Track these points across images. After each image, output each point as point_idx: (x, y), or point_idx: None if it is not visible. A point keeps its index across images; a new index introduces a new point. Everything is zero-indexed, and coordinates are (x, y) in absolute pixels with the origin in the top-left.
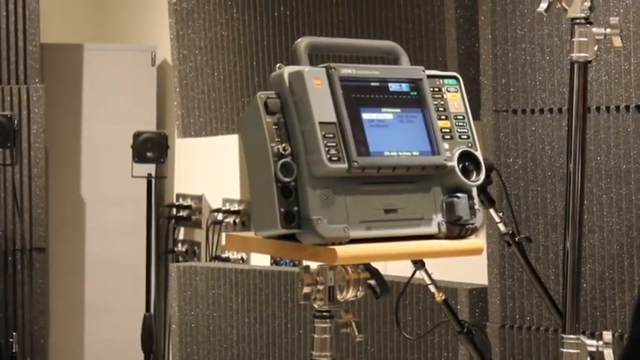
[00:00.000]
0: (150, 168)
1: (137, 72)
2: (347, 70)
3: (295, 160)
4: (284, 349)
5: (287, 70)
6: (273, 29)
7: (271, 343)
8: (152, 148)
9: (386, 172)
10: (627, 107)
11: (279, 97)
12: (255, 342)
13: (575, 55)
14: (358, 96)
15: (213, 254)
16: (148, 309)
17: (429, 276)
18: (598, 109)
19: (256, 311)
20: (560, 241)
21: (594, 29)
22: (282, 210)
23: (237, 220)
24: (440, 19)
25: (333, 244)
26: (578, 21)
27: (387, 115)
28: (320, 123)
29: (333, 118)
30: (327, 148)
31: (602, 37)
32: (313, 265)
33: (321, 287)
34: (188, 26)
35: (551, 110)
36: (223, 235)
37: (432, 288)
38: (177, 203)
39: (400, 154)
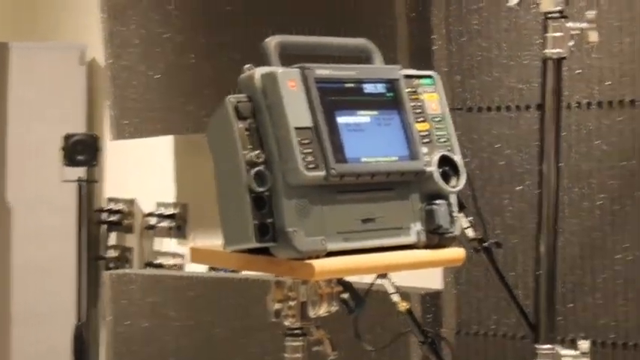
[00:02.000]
0: (80, 171)
1: (65, 71)
2: (323, 70)
3: (269, 168)
4: (225, 358)
5: (258, 71)
6: (211, 26)
7: (210, 353)
8: (83, 151)
9: (364, 180)
10: (588, 104)
11: (250, 100)
12: (195, 351)
13: (548, 51)
14: (333, 98)
15: (147, 260)
16: (79, 318)
17: (393, 284)
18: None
19: (195, 320)
20: (520, 243)
21: (569, 24)
22: (255, 222)
23: (171, 225)
24: (391, 14)
25: (310, 257)
26: (552, 15)
27: (363, 118)
28: (295, 128)
29: (308, 123)
30: (303, 156)
31: (577, 31)
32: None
33: (292, 303)
34: (121, 23)
35: (508, 108)
36: (156, 239)
37: (395, 297)
38: (107, 207)
39: (378, 159)
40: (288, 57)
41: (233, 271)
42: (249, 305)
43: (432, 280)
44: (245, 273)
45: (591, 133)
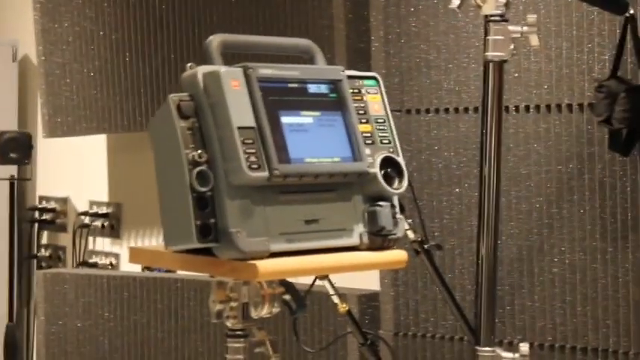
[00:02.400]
0: (12, 169)
1: None
2: (266, 70)
3: (211, 168)
4: (160, 359)
5: (201, 70)
6: (147, 24)
7: (146, 353)
8: (15, 149)
9: (308, 180)
10: (527, 108)
11: (192, 99)
12: (129, 352)
13: (490, 54)
14: (277, 98)
15: (81, 259)
16: (10, 318)
17: (333, 286)
18: (477, 109)
19: (129, 320)
20: (458, 245)
21: (510, 27)
22: (197, 223)
23: (105, 224)
24: (328, 15)
25: (253, 258)
26: (493, 18)
27: (306, 118)
28: (239, 128)
29: (252, 123)
30: (246, 155)
31: (518, 35)
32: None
33: (234, 304)
34: (54, 20)
35: (447, 110)
36: (90, 238)
37: (335, 299)
38: (40, 206)
39: (321, 160)
40: (227, 56)
41: (168, 271)
42: (185, 306)
43: (370, 281)
44: (180, 273)
45: (529, 136)
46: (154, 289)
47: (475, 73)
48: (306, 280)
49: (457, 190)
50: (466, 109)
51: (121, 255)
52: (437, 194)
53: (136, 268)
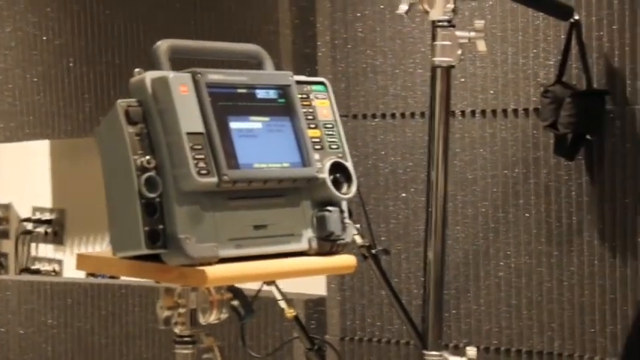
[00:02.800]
0: None
1: None
2: (214, 75)
3: (160, 174)
4: None
5: (149, 75)
6: (91, 29)
7: None
8: None
9: (257, 186)
10: (472, 112)
11: (140, 105)
12: (73, 359)
13: (437, 59)
14: (226, 104)
15: (23, 266)
16: None
17: (280, 291)
18: (423, 114)
19: (73, 327)
20: (404, 249)
21: (458, 32)
22: (146, 229)
23: (48, 230)
24: (274, 20)
25: (202, 264)
26: (440, 24)
27: (255, 124)
28: (187, 134)
29: (200, 129)
30: (195, 161)
31: (466, 40)
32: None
33: (182, 310)
34: None
35: (393, 115)
36: (32, 245)
37: (282, 304)
38: None
39: (270, 165)
40: (174, 61)
41: (112, 278)
42: (129, 312)
43: (316, 286)
44: (124, 279)
45: (475, 141)
46: (98, 295)
47: (421, 79)
48: (253, 286)
49: (403, 194)
50: (412, 114)
51: (64, 261)
52: (383, 199)
53: (79, 275)
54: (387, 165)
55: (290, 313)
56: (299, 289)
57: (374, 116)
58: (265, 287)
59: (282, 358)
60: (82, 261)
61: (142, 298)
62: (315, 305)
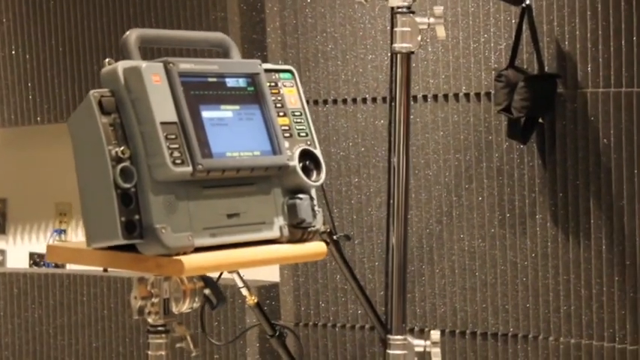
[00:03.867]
0: None
1: None
2: (186, 64)
3: (135, 164)
4: (53, 356)
5: (121, 65)
6: (33, 16)
7: (38, 350)
8: None
9: (230, 175)
10: (425, 97)
11: (113, 95)
12: (21, 349)
13: (397, 45)
14: (197, 93)
15: None
16: None
17: (242, 278)
18: (375, 99)
19: (20, 317)
20: (357, 234)
21: (417, 19)
22: (122, 219)
23: None
24: (222, 6)
25: (178, 254)
26: (400, 10)
27: (226, 112)
28: (161, 123)
29: (174, 118)
30: (170, 151)
31: (425, 26)
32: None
33: (155, 300)
34: None
35: (345, 101)
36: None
37: (244, 291)
38: None
39: (242, 154)
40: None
41: (57, 266)
42: (77, 301)
43: (269, 272)
44: (70, 268)
45: (427, 125)
46: (45, 285)
47: (372, 64)
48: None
49: (356, 180)
50: (364, 100)
51: (7, 251)
52: (336, 184)
53: (23, 264)
54: (339, 150)
55: (252, 300)
56: (252, 276)
57: (325, 102)
58: (225, 275)
59: (235, 345)
60: (53, 252)
61: (90, 287)
62: (268, 292)
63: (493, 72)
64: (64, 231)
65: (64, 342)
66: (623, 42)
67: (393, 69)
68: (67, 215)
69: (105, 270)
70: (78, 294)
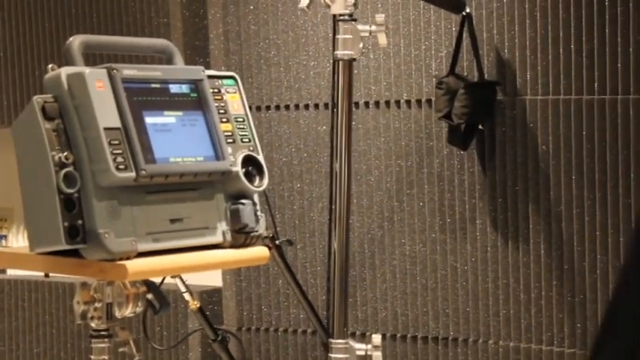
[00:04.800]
0: None
1: None
2: (129, 71)
3: (78, 169)
4: None
5: (64, 71)
6: None
7: None
8: None
9: (173, 180)
10: (366, 103)
11: (56, 101)
12: None
13: (340, 52)
14: (141, 99)
15: None
16: None
17: (184, 283)
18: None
19: None
20: (300, 240)
21: (359, 26)
22: (65, 224)
23: None
24: (165, 13)
25: (121, 259)
26: (342, 17)
27: (169, 118)
28: (105, 129)
29: (117, 124)
30: (113, 156)
31: (367, 34)
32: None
33: (98, 304)
34: None
35: (287, 107)
36: None
37: (186, 296)
38: None
39: (185, 159)
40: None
41: None
42: (18, 307)
43: (212, 277)
44: (10, 274)
45: (369, 132)
46: None
47: (314, 71)
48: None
49: (298, 185)
50: (306, 106)
51: None
52: (278, 190)
53: None
54: (281, 156)
55: (194, 305)
56: (195, 281)
57: (268, 108)
58: (168, 279)
59: (178, 349)
60: None
61: (31, 292)
62: (209, 296)
63: (434, 79)
64: (5, 236)
65: (4, 348)
66: (561, 50)
67: (335, 76)
68: (8, 221)
69: (46, 275)
70: (19, 299)
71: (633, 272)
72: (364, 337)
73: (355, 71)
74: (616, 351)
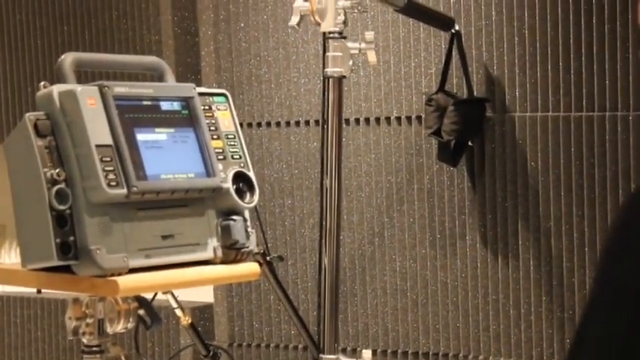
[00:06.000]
0: None
1: None
2: (120, 88)
3: (70, 186)
4: None
5: (56, 88)
6: None
7: None
8: None
9: (164, 196)
10: (357, 120)
11: (48, 118)
12: None
13: (330, 70)
14: (132, 116)
15: None
16: None
17: (176, 299)
18: (308, 122)
19: None
20: (290, 256)
21: (349, 44)
22: (57, 241)
23: None
24: (157, 30)
25: (113, 275)
26: (332, 35)
27: (160, 135)
28: (97, 146)
29: (109, 141)
30: (105, 173)
31: (357, 51)
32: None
33: (90, 320)
34: None
35: (278, 124)
36: None
37: (178, 312)
38: None
39: (176, 176)
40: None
41: None
42: (10, 323)
43: (203, 293)
44: (4, 290)
45: (359, 148)
46: None
47: (305, 87)
48: (149, 295)
49: (289, 201)
50: (297, 123)
51: None
52: (269, 206)
53: None
54: (272, 172)
55: (186, 320)
56: (186, 297)
57: (259, 125)
58: (160, 296)
59: None
60: None
61: (24, 309)
62: (201, 312)
63: (423, 96)
64: None
65: None
66: (549, 67)
67: (326, 93)
68: (1, 237)
69: (38, 291)
70: (11, 316)
71: (600, 293)
72: (355, 353)
73: (345, 88)
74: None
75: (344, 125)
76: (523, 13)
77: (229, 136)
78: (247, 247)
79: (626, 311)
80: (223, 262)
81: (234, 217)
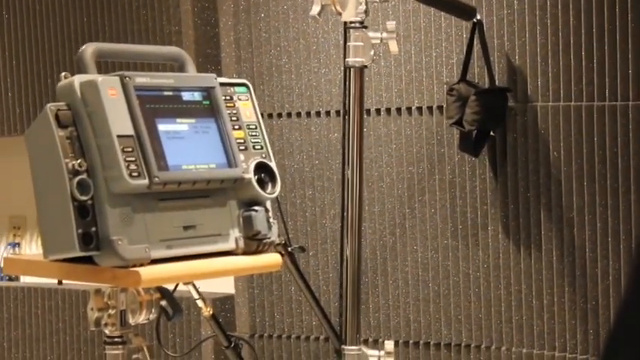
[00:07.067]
0: None
1: None
2: (142, 78)
3: (91, 176)
4: None
5: (77, 79)
6: None
7: None
8: None
9: (186, 187)
10: (378, 110)
11: (70, 108)
12: None
13: (351, 59)
14: (153, 106)
15: None
16: None
17: (197, 290)
18: (328, 112)
19: None
20: (312, 246)
21: (370, 33)
22: (79, 231)
23: None
24: (177, 21)
25: (134, 265)
26: (353, 25)
27: (182, 126)
28: (118, 136)
29: (130, 131)
30: (126, 164)
31: (378, 41)
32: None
33: (112, 311)
34: None
35: (298, 114)
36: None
37: (199, 302)
38: None
39: (198, 167)
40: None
41: (10, 279)
42: (31, 314)
43: (224, 284)
44: (24, 281)
45: (380, 138)
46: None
47: (326, 78)
48: (170, 286)
49: (310, 192)
50: (318, 113)
51: None
52: (290, 197)
53: None
54: (293, 163)
55: (207, 311)
56: (207, 288)
57: (279, 115)
58: (181, 286)
59: (191, 355)
60: (10, 264)
61: (45, 300)
62: (222, 303)
63: (445, 86)
64: (18, 244)
65: (18, 355)
66: (571, 57)
67: (347, 83)
68: (22, 229)
69: (60, 282)
70: (32, 307)
71: None
72: (377, 344)
73: (366, 78)
74: (629, 357)
75: (365, 115)
76: (545, 1)
77: (251, 127)
78: (269, 238)
79: None
80: (245, 252)
81: (255, 208)
